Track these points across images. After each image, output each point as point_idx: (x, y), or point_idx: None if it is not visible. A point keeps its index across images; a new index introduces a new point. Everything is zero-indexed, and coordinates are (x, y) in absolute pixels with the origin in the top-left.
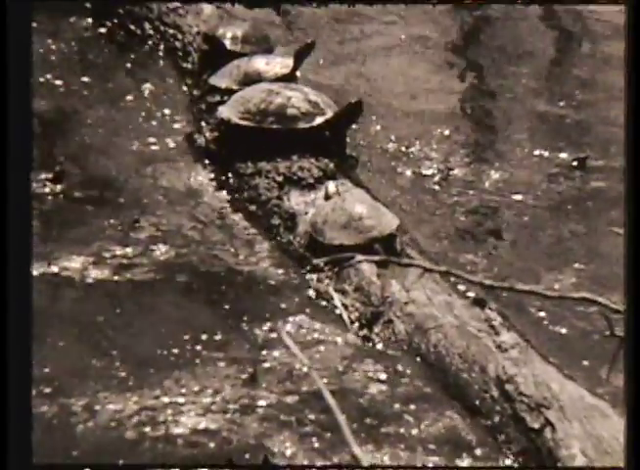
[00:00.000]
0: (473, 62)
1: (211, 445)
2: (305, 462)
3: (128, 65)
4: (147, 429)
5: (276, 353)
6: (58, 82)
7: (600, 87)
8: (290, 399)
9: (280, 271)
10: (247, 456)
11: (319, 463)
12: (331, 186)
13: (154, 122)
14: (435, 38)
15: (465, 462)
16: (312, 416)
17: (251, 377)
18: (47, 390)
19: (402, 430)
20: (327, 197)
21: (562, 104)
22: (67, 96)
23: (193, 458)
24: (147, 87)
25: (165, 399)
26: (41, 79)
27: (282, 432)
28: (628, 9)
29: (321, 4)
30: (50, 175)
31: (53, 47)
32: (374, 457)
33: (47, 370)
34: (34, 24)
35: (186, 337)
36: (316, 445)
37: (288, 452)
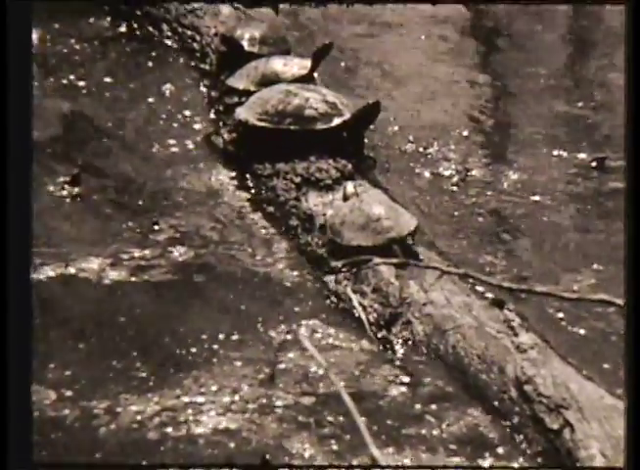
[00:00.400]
0: (491, 63)
1: (232, 444)
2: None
3: (150, 64)
4: (169, 429)
5: (291, 355)
6: (81, 83)
7: (618, 88)
8: (307, 401)
9: (295, 273)
10: (267, 457)
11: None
12: (349, 187)
13: (174, 124)
14: (455, 39)
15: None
16: (330, 418)
17: (269, 378)
18: (68, 393)
19: (424, 431)
20: (345, 198)
21: (580, 104)
22: (86, 97)
23: (215, 458)
24: (167, 88)
25: (186, 399)
26: (64, 81)
27: (301, 433)
28: (628, 9)
29: (320, 4)
30: (68, 178)
31: (77, 47)
32: (395, 459)
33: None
34: (56, 26)
35: (203, 336)
36: (335, 447)
37: (307, 454)
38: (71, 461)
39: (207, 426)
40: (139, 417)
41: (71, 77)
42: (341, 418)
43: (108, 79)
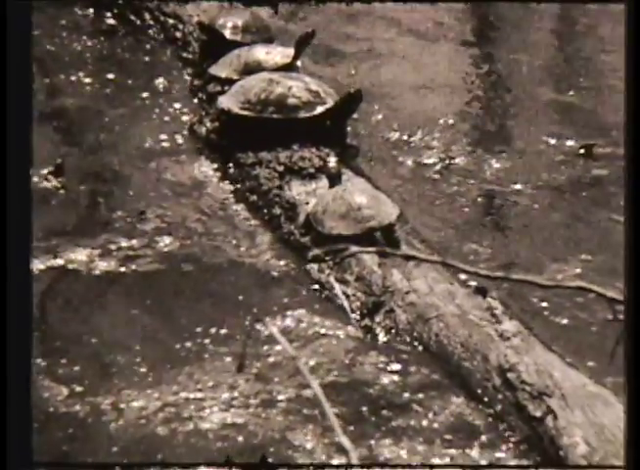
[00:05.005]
0: (479, 51)
1: (240, 438)
2: (323, 457)
3: (146, 58)
4: (175, 425)
5: (278, 348)
6: (70, 78)
7: (606, 74)
8: (309, 393)
9: (281, 263)
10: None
11: (336, 457)
12: (331, 162)
13: (163, 117)
14: (443, 27)
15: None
16: (335, 410)
17: (237, 367)
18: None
19: (412, 421)
20: (329, 175)
21: (571, 93)
22: (75, 93)
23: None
24: (160, 82)
25: (184, 395)
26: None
27: (306, 425)
28: (628, 9)
29: (319, 3)
30: (51, 168)
31: (67, 41)
32: (391, 451)
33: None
34: (46, 18)
35: (192, 330)
36: (337, 438)
37: (308, 446)
38: (71, 461)
39: (213, 421)
40: (144, 413)
41: (59, 73)
42: (344, 409)
43: (93, 75)
